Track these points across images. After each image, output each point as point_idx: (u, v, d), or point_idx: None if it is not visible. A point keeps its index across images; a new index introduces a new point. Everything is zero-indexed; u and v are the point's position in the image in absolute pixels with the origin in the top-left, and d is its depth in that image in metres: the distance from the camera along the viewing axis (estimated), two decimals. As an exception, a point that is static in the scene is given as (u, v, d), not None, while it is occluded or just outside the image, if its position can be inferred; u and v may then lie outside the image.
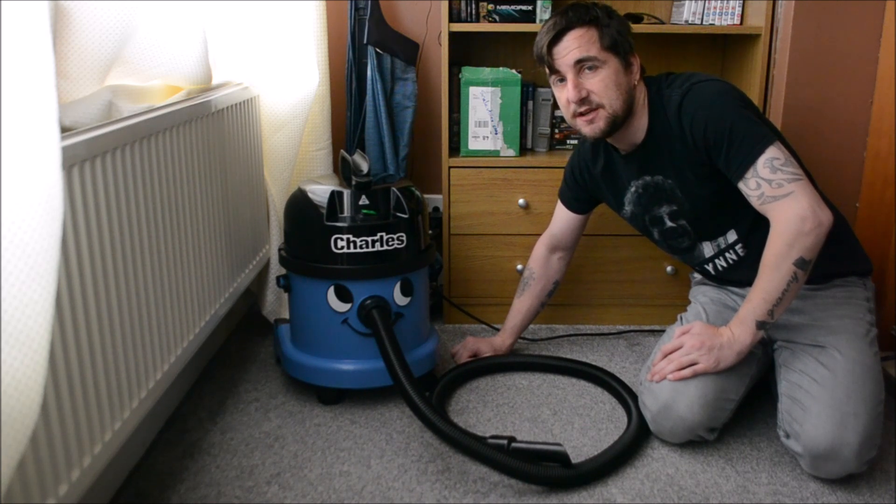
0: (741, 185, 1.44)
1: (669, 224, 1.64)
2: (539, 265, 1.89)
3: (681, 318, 1.71)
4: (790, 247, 1.37)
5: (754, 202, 1.43)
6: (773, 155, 1.40)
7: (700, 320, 1.60)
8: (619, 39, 1.50)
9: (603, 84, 1.50)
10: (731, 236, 1.59)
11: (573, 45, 1.49)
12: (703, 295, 1.73)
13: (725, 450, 1.52)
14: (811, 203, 1.37)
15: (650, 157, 1.58)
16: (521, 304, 1.90)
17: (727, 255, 1.62)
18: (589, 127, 1.54)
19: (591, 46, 1.49)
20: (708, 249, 1.64)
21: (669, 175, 1.57)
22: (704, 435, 1.49)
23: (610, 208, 1.79)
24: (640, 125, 1.56)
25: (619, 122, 1.53)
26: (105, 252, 1.10)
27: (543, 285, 1.89)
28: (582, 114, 1.53)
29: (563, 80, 1.53)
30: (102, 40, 1.22)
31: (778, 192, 1.39)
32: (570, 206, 1.84)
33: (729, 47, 2.21)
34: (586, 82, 1.50)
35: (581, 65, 1.50)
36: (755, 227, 1.53)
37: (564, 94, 1.53)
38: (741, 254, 1.60)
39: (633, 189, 1.65)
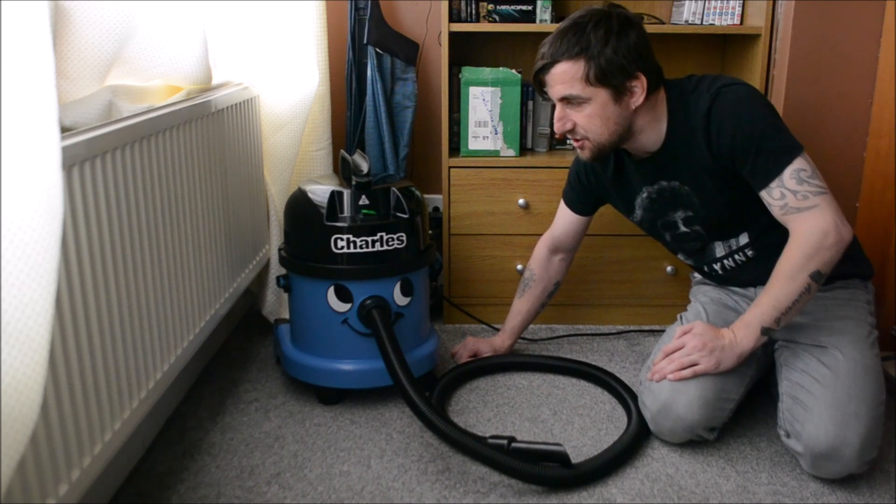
0: (763, 194, 1.43)
1: (683, 229, 1.63)
2: (540, 266, 1.88)
3: (681, 318, 1.70)
4: (809, 259, 1.36)
5: (775, 212, 1.42)
6: (800, 166, 1.39)
7: (700, 320, 1.60)
8: (611, 69, 1.43)
9: (587, 119, 1.48)
10: (743, 238, 1.58)
11: (557, 81, 1.47)
12: (703, 294, 1.73)
13: (725, 450, 1.52)
14: (835, 218, 1.36)
15: (667, 163, 1.55)
16: (521, 306, 1.90)
17: (736, 256, 1.61)
18: (579, 151, 1.57)
19: (575, 84, 1.45)
20: (720, 249, 1.63)
21: (687, 181, 1.55)
22: (704, 434, 1.49)
23: (616, 210, 1.78)
24: (657, 133, 1.53)
25: (605, 152, 1.53)
26: (105, 252, 1.10)
27: (544, 287, 1.89)
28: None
29: None
30: (102, 40, 1.22)
31: (803, 203, 1.38)
32: (574, 207, 1.82)
33: (729, 47, 2.21)
34: (572, 114, 1.49)
35: (566, 100, 1.49)
36: (766, 231, 1.53)
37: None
38: (750, 255, 1.59)
39: (644, 194, 1.63)
